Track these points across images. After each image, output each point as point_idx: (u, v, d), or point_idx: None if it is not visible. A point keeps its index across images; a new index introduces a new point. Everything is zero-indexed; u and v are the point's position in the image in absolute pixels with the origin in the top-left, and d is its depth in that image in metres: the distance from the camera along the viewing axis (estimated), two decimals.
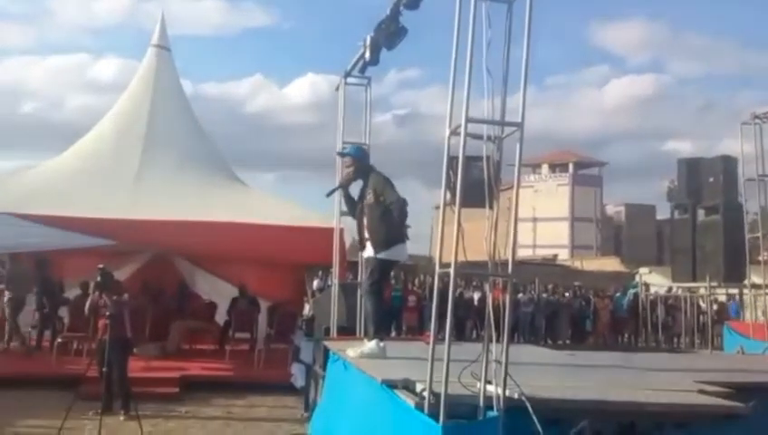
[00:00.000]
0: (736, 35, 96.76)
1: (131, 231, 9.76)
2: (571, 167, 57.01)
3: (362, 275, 6.10)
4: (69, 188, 10.51)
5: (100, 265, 7.58)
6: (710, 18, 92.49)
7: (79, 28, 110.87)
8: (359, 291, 8.28)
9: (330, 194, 7.02)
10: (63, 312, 10.61)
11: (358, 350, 5.13)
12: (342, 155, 6.09)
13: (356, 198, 5.76)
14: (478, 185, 4.09)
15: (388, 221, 5.32)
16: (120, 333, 7.30)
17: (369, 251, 5.50)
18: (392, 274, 11.28)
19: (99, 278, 7.48)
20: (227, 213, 10.21)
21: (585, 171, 58.44)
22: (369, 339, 5.28)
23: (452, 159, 4.07)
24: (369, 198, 5.48)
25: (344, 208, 8.47)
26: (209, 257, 11.64)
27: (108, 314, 7.32)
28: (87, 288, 10.73)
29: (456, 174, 3.93)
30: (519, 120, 3.91)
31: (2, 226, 9.40)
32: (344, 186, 5.86)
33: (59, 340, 10.05)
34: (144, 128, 11.81)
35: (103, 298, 7.43)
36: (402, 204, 5.31)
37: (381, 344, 5.19)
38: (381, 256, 5.35)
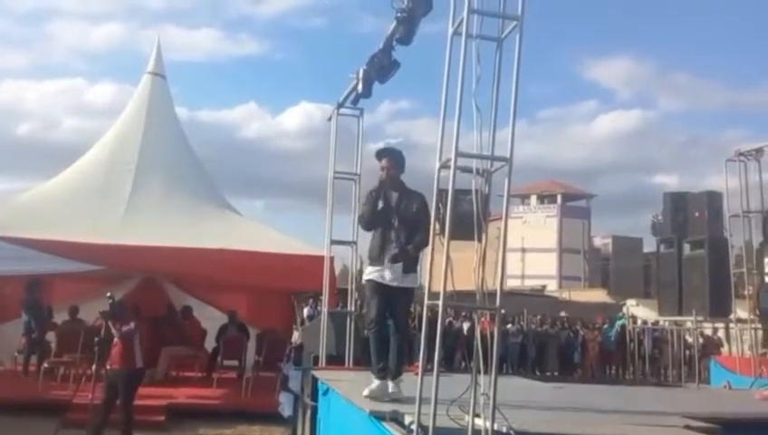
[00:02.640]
0: (721, 75, 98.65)
1: (121, 256, 9.74)
2: (559, 198, 57.40)
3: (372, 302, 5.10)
4: (59, 212, 10.51)
5: (109, 294, 7.55)
6: (696, 58, 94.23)
7: (76, 53, 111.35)
8: (348, 319, 8.32)
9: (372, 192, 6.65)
10: (51, 336, 10.53)
11: (377, 390, 4.67)
12: (381, 155, 5.22)
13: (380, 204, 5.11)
14: (467, 218, 4.16)
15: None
16: (130, 362, 7.27)
17: (391, 274, 4.90)
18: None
19: (109, 307, 7.43)
20: (218, 240, 10.22)
21: (573, 203, 58.85)
22: (394, 378, 4.81)
23: (441, 192, 4.16)
24: (413, 214, 4.95)
25: (335, 237, 8.61)
26: (199, 284, 11.64)
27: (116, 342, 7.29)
28: (75, 313, 10.74)
29: (445, 207, 4.01)
30: (508, 154, 4.01)
31: None
32: (386, 186, 5.12)
33: (45, 365, 9.96)
34: (137, 154, 11.86)
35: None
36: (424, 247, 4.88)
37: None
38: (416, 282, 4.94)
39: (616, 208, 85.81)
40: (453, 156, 3.84)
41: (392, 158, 5.16)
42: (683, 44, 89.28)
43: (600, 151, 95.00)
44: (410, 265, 4.92)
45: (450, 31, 4.03)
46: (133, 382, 7.42)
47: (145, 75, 13.13)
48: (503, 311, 3.93)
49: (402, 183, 5.16)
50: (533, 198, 57.72)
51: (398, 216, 5.02)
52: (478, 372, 3.90)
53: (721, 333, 19.97)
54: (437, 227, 4.28)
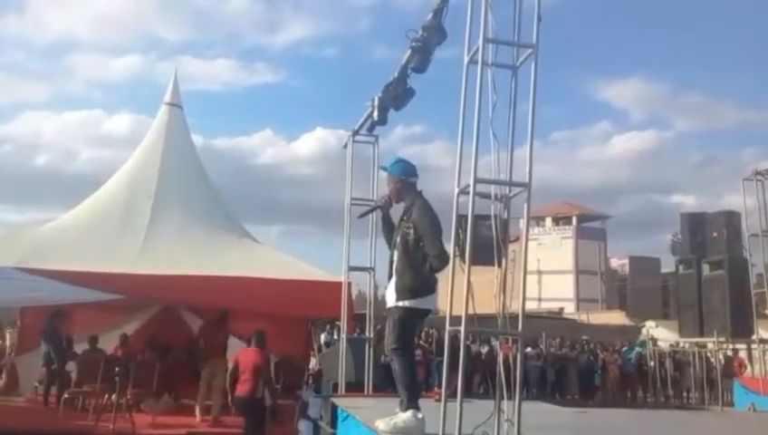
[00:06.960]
0: (734, 95, 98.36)
1: (141, 285, 9.80)
2: (574, 220, 57.17)
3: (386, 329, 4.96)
4: (79, 243, 10.61)
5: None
6: (708, 78, 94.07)
7: (95, 85, 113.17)
8: (366, 346, 8.30)
9: (363, 215, 6.48)
10: (71, 366, 10.58)
11: (390, 422, 4.33)
12: (385, 170, 5.03)
13: (396, 222, 4.89)
14: (486, 243, 4.17)
15: (422, 269, 4.52)
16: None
17: (389, 296, 4.68)
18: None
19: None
20: (236, 267, 10.26)
21: (589, 224, 58.56)
22: (404, 409, 4.43)
23: (460, 218, 4.18)
24: (409, 232, 4.62)
25: (353, 263, 8.63)
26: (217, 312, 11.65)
27: None
28: (95, 342, 10.78)
29: (464, 232, 4.02)
30: (526, 179, 4.03)
31: (12, 280, 9.46)
32: (382, 208, 4.99)
33: (66, 395, 9.99)
34: (155, 184, 11.98)
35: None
36: (444, 261, 4.45)
37: (419, 416, 4.35)
38: (406, 304, 4.54)
39: (632, 229, 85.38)
40: (472, 182, 3.87)
41: (389, 175, 4.92)
42: (694, 65, 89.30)
43: (614, 172, 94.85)
44: (403, 292, 4.55)
45: (466, 59, 4.08)
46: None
47: (162, 106, 13.31)
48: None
49: (414, 193, 4.80)
50: (548, 220, 57.53)
51: (399, 229, 4.77)
52: (501, 397, 3.90)
53: (743, 354, 19.67)
54: (457, 251, 4.29)
